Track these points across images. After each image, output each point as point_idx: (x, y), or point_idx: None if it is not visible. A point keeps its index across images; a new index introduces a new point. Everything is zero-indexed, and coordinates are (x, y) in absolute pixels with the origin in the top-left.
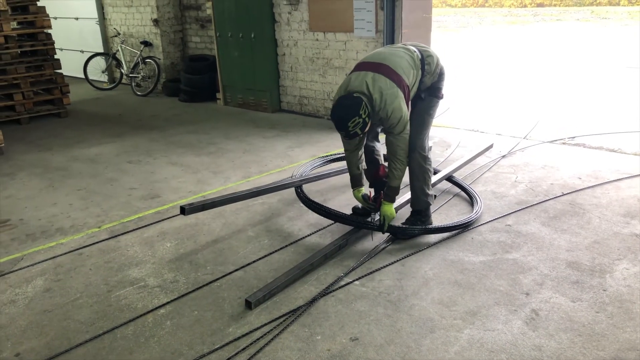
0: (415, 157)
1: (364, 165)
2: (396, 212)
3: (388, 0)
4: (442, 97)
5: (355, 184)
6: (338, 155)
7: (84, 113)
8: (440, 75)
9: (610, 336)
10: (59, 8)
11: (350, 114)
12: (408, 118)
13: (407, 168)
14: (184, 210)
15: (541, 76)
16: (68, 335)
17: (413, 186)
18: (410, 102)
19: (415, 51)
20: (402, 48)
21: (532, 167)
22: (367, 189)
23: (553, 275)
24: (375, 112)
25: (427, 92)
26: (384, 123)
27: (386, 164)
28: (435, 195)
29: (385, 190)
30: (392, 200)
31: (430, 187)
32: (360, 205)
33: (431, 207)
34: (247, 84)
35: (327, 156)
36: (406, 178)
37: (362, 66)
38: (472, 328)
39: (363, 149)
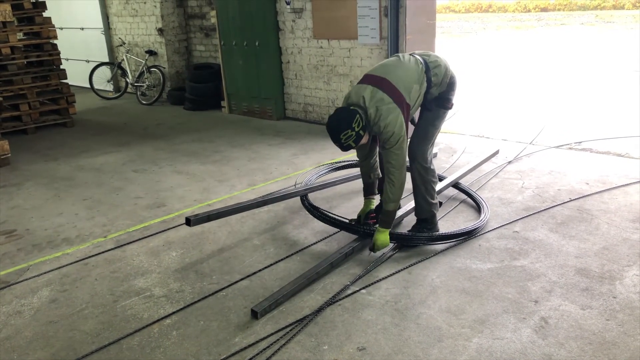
0: (415, 167)
1: (378, 173)
2: (402, 220)
3: (392, 7)
4: (450, 107)
5: (366, 192)
6: (343, 163)
7: (89, 122)
8: (450, 85)
9: (621, 344)
10: (65, 18)
11: (342, 127)
12: (403, 135)
13: (411, 179)
14: (189, 222)
15: (547, 81)
16: (74, 346)
17: (416, 196)
18: (414, 115)
19: (421, 63)
20: (410, 60)
21: (539, 173)
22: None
23: (562, 282)
24: (370, 126)
25: (435, 103)
26: (379, 137)
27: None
28: (440, 203)
29: (380, 215)
30: (387, 227)
31: (435, 196)
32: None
33: (437, 214)
34: (252, 91)
35: (332, 163)
36: (409, 185)
37: (365, 79)
38: (480, 337)
39: (377, 157)
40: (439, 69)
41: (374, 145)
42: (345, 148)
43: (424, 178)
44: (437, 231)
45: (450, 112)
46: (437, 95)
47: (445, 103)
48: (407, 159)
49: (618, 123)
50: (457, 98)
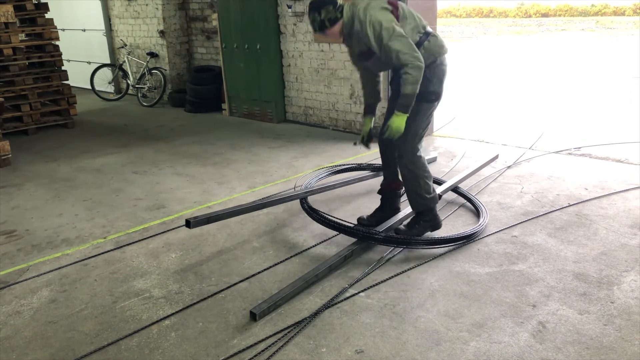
0: (404, 164)
1: (380, 98)
2: (401, 224)
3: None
4: (435, 100)
5: (366, 112)
6: (344, 167)
7: (90, 124)
8: (435, 68)
9: (619, 349)
10: (67, 20)
11: (313, 7)
12: (395, 26)
13: (401, 175)
14: (189, 224)
15: (546, 86)
16: (73, 346)
17: (408, 192)
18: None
19: (424, 25)
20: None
21: (538, 178)
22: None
23: (560, 287)
24: (355, 21)
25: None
26: (368, 38)
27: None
28: (440, 195)
29: (399, 99)
30: (405, 111)
31: (431, 190)
32: (364, 216)
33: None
34: (253, 94)
35: (332, 167)
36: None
37: None
38: (478, 340)
39: (379, 88)
40: (435, 39)
41: (377, 70)
42: (312, 25)
43: (414, 173)
44: (439, 223)
45: (449, 117)
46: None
47: (428, 96)
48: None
49: (617, 129)
50: (444, 90)
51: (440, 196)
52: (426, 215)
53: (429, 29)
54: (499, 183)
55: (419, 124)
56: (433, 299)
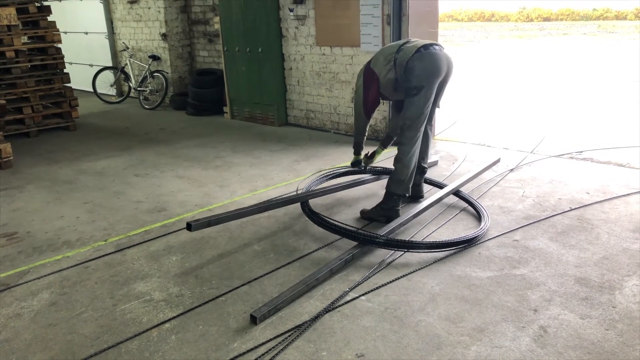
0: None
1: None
2: (402, 226)
3: (395, 16)
4: (416, 94)
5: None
6: (345, 170)
7: (92, 126)
8: (410, 70)
9: (620, 354)
10: (69, 23)
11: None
12: (357, 90)
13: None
14: (190, 227)
15: (548, 90)
16: (73, 349)
17: (393, 171)
18: (393, 87)
19: (394, 52)
20: (392, 45)
21: (540, 182)
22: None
23: (561, 291)
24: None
25: (405, 90)
26: None
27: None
28: (439, 199)
29: None
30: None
31: (405, 179)
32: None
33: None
34: (254, 97)
35: (333, 170)
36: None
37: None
38: (479, 345)
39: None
40: (403, 53)
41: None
42: None
43: (401, 160)
44: (392, 218)
45: (451, 120)
46: (404, 80)
47: (410, 91)
48: None
49: (619, 133)
50: (426, 80)
51: (439, 199)
52: (388, 202)
53: (402, 48)
54: (500, 187)
55: (407, 117)
56: (434, 303)
